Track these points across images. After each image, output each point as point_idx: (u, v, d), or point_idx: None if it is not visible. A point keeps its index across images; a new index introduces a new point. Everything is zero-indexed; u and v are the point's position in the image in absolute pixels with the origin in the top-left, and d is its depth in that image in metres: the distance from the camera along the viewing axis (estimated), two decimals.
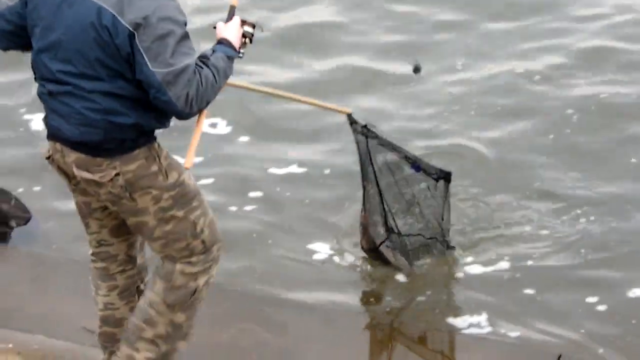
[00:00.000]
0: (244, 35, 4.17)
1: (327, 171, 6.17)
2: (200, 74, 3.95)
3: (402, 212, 5.29)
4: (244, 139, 6.55)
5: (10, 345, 4.84)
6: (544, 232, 5.56)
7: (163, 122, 4.08)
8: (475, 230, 5.56)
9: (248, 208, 5.91)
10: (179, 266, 4.20)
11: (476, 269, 5.36)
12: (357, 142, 5.15)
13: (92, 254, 4.37)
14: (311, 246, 5.60)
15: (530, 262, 5.38)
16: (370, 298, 5.21)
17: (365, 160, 5.18)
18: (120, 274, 4.36)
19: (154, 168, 4.06)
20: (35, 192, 6.03)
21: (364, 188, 5.23)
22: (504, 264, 5.40)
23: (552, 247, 5.45)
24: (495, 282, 5.23)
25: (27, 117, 6.73)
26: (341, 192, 5.92)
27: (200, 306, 4.32)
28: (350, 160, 5.58)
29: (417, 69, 5.67)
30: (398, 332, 4.93)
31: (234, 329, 4.92)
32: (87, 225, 4.31)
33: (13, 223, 5.66)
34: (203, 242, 4.21)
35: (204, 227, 4.20)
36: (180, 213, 4.14)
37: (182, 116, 3.98)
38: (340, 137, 6.18)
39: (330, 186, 6.03)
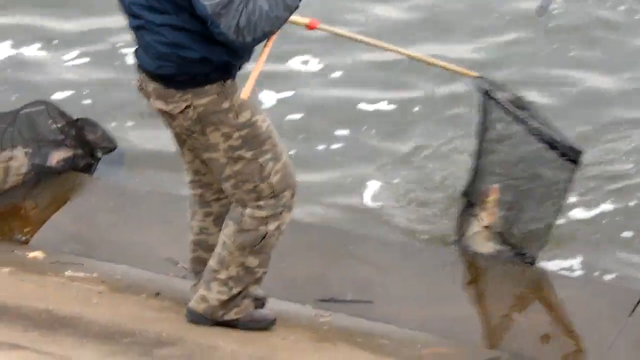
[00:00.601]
0: None
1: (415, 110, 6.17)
2: (252, 3, 3.91)
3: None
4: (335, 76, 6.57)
5: (95, 275, 4.90)
6: None
7: (235, 57, 4.07)
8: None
9: (335, 146, 5.95)
10: (248, 210, 4.25)
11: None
12: (483, 107, 4.93)
13: (190, 182, 4.45)
14: (392, 185, 5.63)
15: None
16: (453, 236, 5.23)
17: (485, 126, 4.95)
18: (215, 202, 4.42)
19: (226, 105, 4.09)
20: (127, 126, 6.11)
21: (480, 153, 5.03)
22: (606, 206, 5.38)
23: None
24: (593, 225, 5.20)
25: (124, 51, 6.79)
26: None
27: (272, 252, 4.35)
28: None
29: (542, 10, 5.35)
30: (480, 270, 4.92)
31: (314, 261, 4.93)
32: (182, 155, 4.39)
33: (99, 153, 5.73)
34: (271, 186, 4.22)
35: (272, 172, 4.21)
36: (248, 154, 4.17)
37: (239, 46, 3.97)
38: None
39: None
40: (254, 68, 4.08)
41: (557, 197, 4.81)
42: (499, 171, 4.99)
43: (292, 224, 5.09)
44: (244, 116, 4.14)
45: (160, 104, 4.16)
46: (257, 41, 4.00)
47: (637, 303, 4.51)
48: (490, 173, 5.01)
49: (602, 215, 5.39)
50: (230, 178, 4.22)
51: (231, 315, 4.42)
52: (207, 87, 4.07)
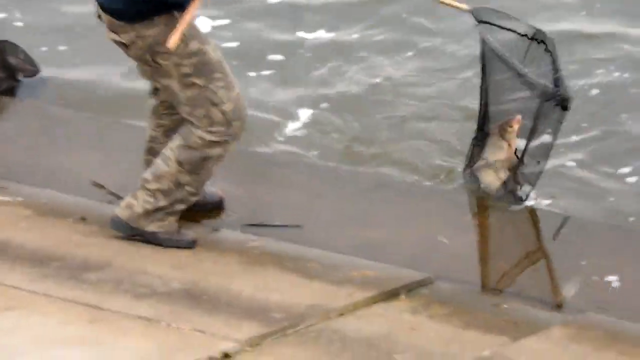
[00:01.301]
0: None
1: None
2: None
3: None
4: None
5: (20, 199, 4.84)
6: None
7: None
8: None
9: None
10: (199, 131, 4.39)
11: None
12: (481, 41, 4.80)
13: (149, 91, 4.62)
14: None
15: None
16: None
17: (484, 62, 4.85)
18: (167, 116, 4.60)
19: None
20: (57, 51, 6.03)
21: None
22: None
23: None
24: None
25: None
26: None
27: (207, 177, 4.45)
28: None
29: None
30: (408, 193, 4.96)
31: (242, 186, 4.94)
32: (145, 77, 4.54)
33: (20, 76, 5.62)
34: (223, 113, 4.37)
35: (224, 99, 4.36)
36: (200, 81, 4.32)
37: None
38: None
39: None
40: (182, 17, 4.19)
41: (548, 140, 4.79)
42: (505, 108, 4.89)
43: None
44: (193, 45, 4.32)
45: (113, 35, 4.36)
46: None
47: (560, 226, 4.61)
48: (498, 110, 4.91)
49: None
50: (185, 105, 4.38)
51: (152, 227, 4.48)
52: (155, 18, 4.23)
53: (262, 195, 4.91)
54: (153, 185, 4.47)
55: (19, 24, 6.23)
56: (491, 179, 4.90)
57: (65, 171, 5.08)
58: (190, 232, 4.58)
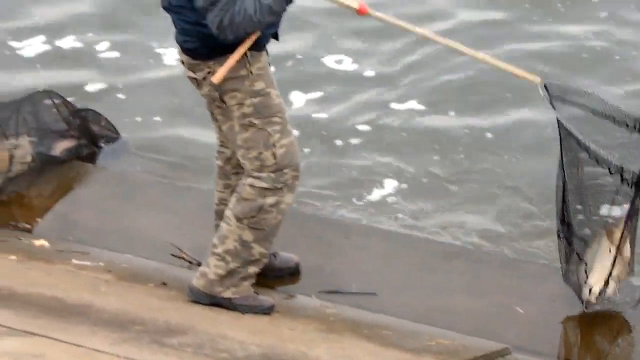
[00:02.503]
0: None
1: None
2: (239, 5, 4.17)
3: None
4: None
5: (101, 263, 4.94)
6: None
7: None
8: None
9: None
10: (249, 179, 4.48)
11: None
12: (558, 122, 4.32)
13: (216, 152, 4.75)
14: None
15: None
16: None
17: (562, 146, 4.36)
18: (234, 175, 4.71)
19: (243, 72, 4.37)
20: (131, 117, 6.14)
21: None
22: None
23: None
24: None
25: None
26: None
27: (271, 234, 4.49)
28: None
29: None
30: (482, 263, 4.98)
31: (317, 253, 4.99)
32: (215, 125, 4.69)
33: (102, 143, 5.76)
34: (274, 156, 4.44)
35: (278, 143, 4.44)
36: (258, 122, 4.42)
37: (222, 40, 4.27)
38: None
39: None
40: (230, 57, 4.31)
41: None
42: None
43: (294, 215, 5.21)
44: (259, 85, 4.42)
45: (189, 73, 4.51)
46: (239, 39, 4.29)
47: None
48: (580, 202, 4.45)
49: None
50: (241, 147, 4.48)
51: (228, 294, 4.55)
52: (228, 57, 4.35)
53: (337, 262, 4.97)
54: (220, 249, 4.54)
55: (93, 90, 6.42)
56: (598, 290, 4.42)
57: (144, 235, 5.19)
58: (268, 298, 4.64)
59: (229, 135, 4.53)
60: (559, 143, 4.44)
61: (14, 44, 6.84)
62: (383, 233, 5.24)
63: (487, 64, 4.57)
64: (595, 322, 4.54)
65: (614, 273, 4.38)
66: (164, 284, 4.78)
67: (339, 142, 6.02)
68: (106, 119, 5.77)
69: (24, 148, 5.44)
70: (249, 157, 4.46)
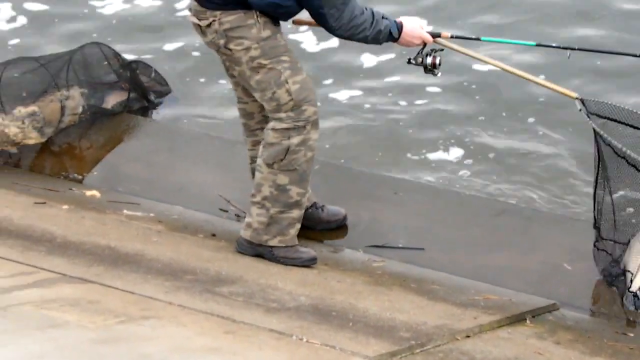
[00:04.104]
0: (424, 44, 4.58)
1: None
2: (361, 19, 4.40)
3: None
4: None
5: (152, 214, 5.00)
6: None
7: (276, 13, 4.47)
8: None
9: None
10: (271, 123, 4.55)
11: None
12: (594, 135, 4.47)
13: (238, 109, 4.83)
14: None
15: None
16: None
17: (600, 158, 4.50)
18: (260, 131, 4.75)
19: (250, 21, 4.47)
20: (181, 70, 6.18)
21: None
22: None
23: None
24: None
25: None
26: None
27: (305, 172, 4.53)
28: None
29: None
30: (531, 220, 5.00)
31: (366, 208, 5.03)
32: (231, 82, 4.77)
33: (152, 96, 5.81)
34: (289, 93, 4.51)
35: (290, 79, 4.52)
36: (267, 61, 4.50)
37: (329, 29, 4.44)
38: None
39: None
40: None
41: None
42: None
43: (344, 170, 5.25)
44: (266, 32, 4.48)
45: (194, 19, 4.58)
46: (339, 35, 4.49)
47: None
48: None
49: None
50: (256, 90, 4.56)
51: (274, 242, 4.61)
52: (237, 10, 4.46)
53: (386, 217, 5.00)
54: (258, 197, 4.61)
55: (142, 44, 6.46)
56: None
57: (194, 188, 5.24)
58: (309, 250, 4.69)
59: (242, 81, 4.60)
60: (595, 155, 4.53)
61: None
62: (432, 190, 5.27)
63: (528, 81, 4.73)
64: None
65: None
66: (214, 235, 4.84)
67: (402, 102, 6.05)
68: (156, 71, 5.82)
69: (75, 99, 5.50)
70: (265, 99, 4.54)
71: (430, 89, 6.08)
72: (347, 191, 5.15)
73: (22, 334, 3.78)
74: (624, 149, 4.37)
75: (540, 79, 4.80)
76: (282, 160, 4.53)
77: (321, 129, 6.10)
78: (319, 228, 4.89)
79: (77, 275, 4.32)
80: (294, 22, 4.73)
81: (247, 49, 4.49)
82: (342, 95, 6.09)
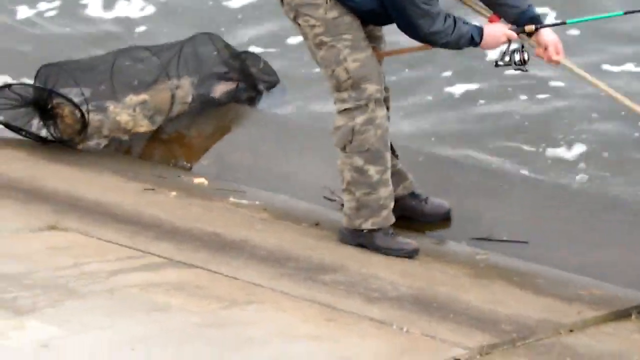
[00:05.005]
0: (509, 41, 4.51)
1: None
2: (449, 22, 4.40)
3: None
4: None
5: (258, 202, 5.07)
6: None
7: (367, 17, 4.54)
8: None
9: None
10: (336, 106, 4.60)
11: None
12: None
13: None
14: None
15: None
16: None
17: None
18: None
19: (319, 1, 4.49)
20: (290, 60, 6.23)
21: None
22: None
23: None
24: None
25: None
26: None
27: (380, 150, 4.52)
28: None
29: None
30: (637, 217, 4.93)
31: (470, 200, 5.01)
32: None
33: (261, 86, 5.88)
34: (347, 71, 4.53)
35: (349, 57, 4.54)
36: (328, 39, 4.54)
37: (411, 32, 4.48)
38: None
39: None
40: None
41: None
42: None
43: (450, 161, 5.24)
44: (333, 14, 4.53)
45: None
46: (420, 40, 4.52)
47: None
48: None
49: None
50: (320, 66, 4.63)
51: (368, 225, 4.62)
52: None
53: (491, 210, 4.98)
54: (344, 184, 4.65)
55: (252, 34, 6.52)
56: None
57: (299, 178, 5.29)
58: (411, 241, 4.68)
59: (311, 55, 4.67)
60: None
61: None
62: (539, 183, 5.22)
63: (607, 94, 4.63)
64: None
65: None
66: (317, 224, 4.88)
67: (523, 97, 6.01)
68: (266, 62, 5.88)
69: (185, 89, 5.60)
70: (327, 76, 4.59)
71: (553, 83, 6.03)
72: (452, 183, 5.13)
73: (127, 316, 3.87)
74: None
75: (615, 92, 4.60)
76: (351, 142, 4.56)
77: (428, 120, 6.08)
78: (422, 220, 4.90)
79: (184, 260, 4.40)
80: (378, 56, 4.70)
81: (312, 26, 4.54)
82: (458, 89, 6.11)
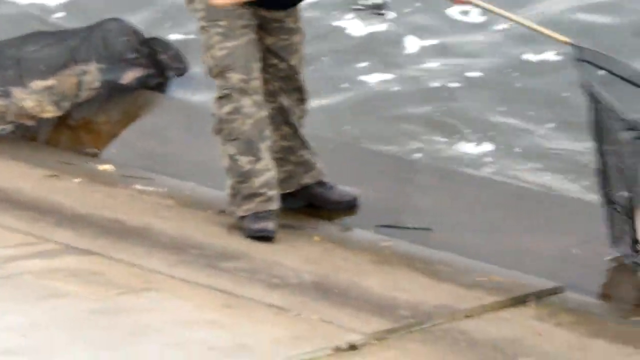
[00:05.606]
0: None
1: None
2: None
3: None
4: None
5: (164, 189, 5.02)
6: None
7: None
8: None
9: None
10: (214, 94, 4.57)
11: None
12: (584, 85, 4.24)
13: None
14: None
15: None
16: None
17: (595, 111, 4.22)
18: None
19: None
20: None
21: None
22: None
23: None
24: None
25: None
26: None
27: (251, 140, 4.47)
28: None
29: None
30: (540, 204, 4.98)
31: (376, 188, 5.02)
32: None
33: (170, 73, 5.83)
34: (214, 58, 4.51)
35: (218, 45, 4.49)
36: (205, 24, 4.51)
37: None
38: None
39: None
40: None
41: None
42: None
43: (357, 150, 5.25)
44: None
45: None
46: None
47: None
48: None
49: None
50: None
51: (240, 212, 4.60)
52: None
53: (396, 197, 5.00)
54: (225, 170, 4.62)
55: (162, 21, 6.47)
56: None
57: (208, 165, 5.25)
58: (270, 224, 4.57)
59: None
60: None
61: None
62: (446, 172, 5.25)
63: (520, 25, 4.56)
64: None
65: None
66: (223, 211, 4.86)
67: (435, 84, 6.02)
68: (175, 48, 5.83)
69: (92, 74, 5.54)
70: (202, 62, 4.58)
71: (468, 74, 6.07)
72: (360, 171, 5.15)
73: (21, 303, 3.83)
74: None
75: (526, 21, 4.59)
76: (221, 130, 4.56)
77: (337, 110, 6.09)
78: (329, 208, 4.89)
79: (83, 247, 4.36)
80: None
81: (196, 10, 4.53)
82: (373, 78, 6.11)
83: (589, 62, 4.27)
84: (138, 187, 5.04)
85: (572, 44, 4.36)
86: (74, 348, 3.62)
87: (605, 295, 4.40)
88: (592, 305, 4.30)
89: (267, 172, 4.59)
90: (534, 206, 4.90)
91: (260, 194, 4.57)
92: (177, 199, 4.96)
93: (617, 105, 4.16)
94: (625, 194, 4.24)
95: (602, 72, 4.27)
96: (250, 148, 4.54)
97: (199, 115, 5.63)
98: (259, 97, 4.53)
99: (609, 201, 4.40)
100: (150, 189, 5.04)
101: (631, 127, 4.13)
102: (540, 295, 4.30)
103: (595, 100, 4.23)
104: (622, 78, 4.26)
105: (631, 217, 4.29)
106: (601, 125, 4.28)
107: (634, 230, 4.29)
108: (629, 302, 4.33)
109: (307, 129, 4.87)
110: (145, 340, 3.71)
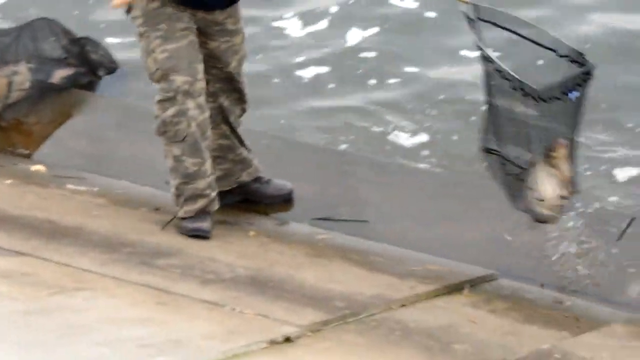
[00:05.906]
0: None
1: None
2: None
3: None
4: None
5: (96, 189, 4.98)
6: None
7: None
8: None
9: None
10: (155, 97, 4.56)
11: None
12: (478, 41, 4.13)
13: None
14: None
15: None
16: None
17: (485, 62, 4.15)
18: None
19: None
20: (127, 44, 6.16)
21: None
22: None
23: None
24: None
25: None
26: None
27: (196, 143, 4.46)
28: None
29: None
30: (475, 191, 5.00)
31: (312, 181, 5.02)
32: None
33: (101, 72, 5.79)
34: (155, 61, 4.49)
35: (159, 48, 4.49)
36: (144, 29, 4.53)
37: None
38: None
39: None
40: None
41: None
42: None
43: (292, 143, 5.24)
44: (154, 5, 4.47)
45: None
46: None
47: (626, 227, 4.59)
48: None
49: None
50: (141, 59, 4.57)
51: (181, 214, 4.59)
52: None
53: (333, 190, 4.99)
54: (169, 170, 4.61)
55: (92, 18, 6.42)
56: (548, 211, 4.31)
57: (141, 163, 5.22)
58: (205, 224, 4.55)
59: None
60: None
61: None
62: (381, 163, 5.26)
63: None
64: (580, 253, 4.56)
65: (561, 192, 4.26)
66: (157, 209, 4.82)
67: (372, 81, 6.03)
68: (105, 48, 5.79)
69: (23, 74, 5.48)
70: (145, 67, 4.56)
71: (406, 69, 6.08)
72: (295, 164, 5.14)
73: None
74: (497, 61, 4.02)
75: None
76: (165, 132, 4.53)
77: (274, 105, 6.07)
78: (265, 202, 4.88)
79: (13, 248, 4.31)
80: None
81: (135, 17, 4.52)
82: (308, 72, 6.11)
83: (487, 20, 4.19)
84: (70, 186, 4.99)
85: (471, 3, 4.21)
86: (5, 348, 3.58)
87: (537, 282, 4.43)
88: (525, 291, 4.33)
89: (211, 173, 4.59)
90: (466, 194, 4.93)
91: (205, 195, 4.57)
92: (110, 197, 4.92)
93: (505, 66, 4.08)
94: (527, 154, 4.23)
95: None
96: (195, 150, 4.54)
97: (131, 114, 5.60)
98: (202, 99, 4.53)
99: (487, 149, 4.33)
100: (83, 188, 4.99)
101: (518, 87, 4.07)
102: (474, 283, 4.32)
103: (487, 60, 4.15)
104: (521, 36, 4.18)
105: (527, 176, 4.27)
106: (493, 82, 4.19)
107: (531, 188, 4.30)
108: (560, 287, 4.37)
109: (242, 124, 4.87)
110: (78, 339, 3.67)
